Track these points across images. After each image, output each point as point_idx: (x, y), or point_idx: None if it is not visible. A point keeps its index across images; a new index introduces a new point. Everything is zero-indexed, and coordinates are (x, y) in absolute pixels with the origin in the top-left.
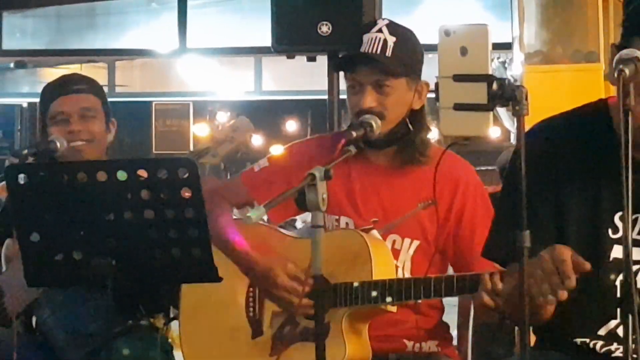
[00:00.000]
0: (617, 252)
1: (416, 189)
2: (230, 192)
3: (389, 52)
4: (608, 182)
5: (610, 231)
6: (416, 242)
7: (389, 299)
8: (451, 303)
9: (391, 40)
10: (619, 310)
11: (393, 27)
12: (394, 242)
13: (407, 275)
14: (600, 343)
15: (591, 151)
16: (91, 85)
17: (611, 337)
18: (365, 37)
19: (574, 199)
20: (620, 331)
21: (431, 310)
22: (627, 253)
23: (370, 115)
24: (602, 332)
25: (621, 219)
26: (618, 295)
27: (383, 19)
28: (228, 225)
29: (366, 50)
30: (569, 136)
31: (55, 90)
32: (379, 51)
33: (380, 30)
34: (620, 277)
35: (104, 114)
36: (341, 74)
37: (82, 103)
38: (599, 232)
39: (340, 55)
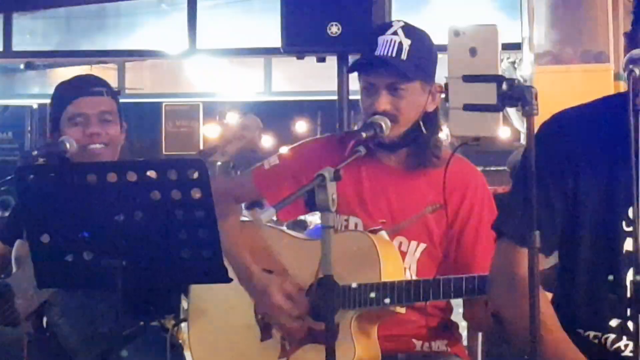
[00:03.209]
0: (630, 244)
1: (425, 192)
2: (240, 189)
3: (404, 55)
4: (622, 175)
5: (624, 223)
6: (423, 245)
7: (398, 301)
8: (460, 302)
9: (406, 43)
10: (629, 308)
11: (408, 30)
12: (400, 244)
13: (414, 277)
14: (611, 337)
15: (607, 143)
16: (108, 88)
17: (622, 330)
18: (381, 40)
19: (588, 190)
20: (630, 324)
21: (439, 310)
22: (637, 250)
23: (380, 116)
24: (613, 323)
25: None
26: (629, 293)
27: (398, 21)
28: (233, 232)
29: (381, 54)
30: (583, 128)
31: (74, 90)
32: (394, 54)
33: (395, 33)
34: (632, 270)
35: (119, 117)
36: (353, 74)
37: (102, 106)
38: (612, 224)
39: (354, 56)
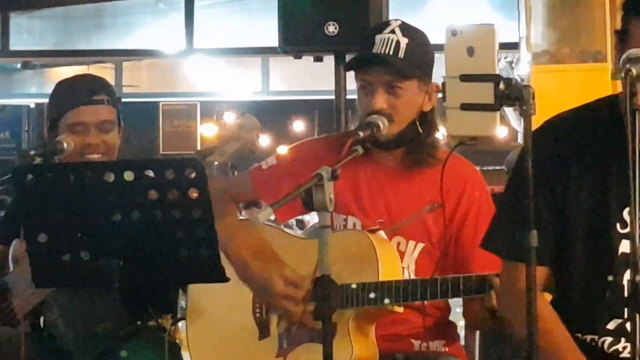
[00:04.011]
0: (625, 247)
1: (422, 191)
2: (237, 189)
3: (401, 54)
4: (617, 177)
5: (618, 226)
6: (421, 245)
7: (396, 301)
8: (458, 303)
9: (404, 41)
10: (626, 309)
11: (406, 29)
12: (398, 244)
13: (412, 277)
14: (608, 340)
15: (600, 145)
16: (110, 96)
17: (619, 332)
18: (378, 38)
19: (583, 193)
20: (628, 326)
21: (437, 310)
22: (634, 251)
23: (377, 115)
24: (610, 326)
25: (630, 214)
26: (626, 293)
27: (396, 20)
28: (231, 230)
29: (379, 51)
30: (578, 131)
31: (76, 97)
32: (391, 52)
33: (393, 32)
34: (629, 272)
35: (118, 124)
36: (350, 74)
37: (102, 115)
38: (607, 227)
39: (351, 56)
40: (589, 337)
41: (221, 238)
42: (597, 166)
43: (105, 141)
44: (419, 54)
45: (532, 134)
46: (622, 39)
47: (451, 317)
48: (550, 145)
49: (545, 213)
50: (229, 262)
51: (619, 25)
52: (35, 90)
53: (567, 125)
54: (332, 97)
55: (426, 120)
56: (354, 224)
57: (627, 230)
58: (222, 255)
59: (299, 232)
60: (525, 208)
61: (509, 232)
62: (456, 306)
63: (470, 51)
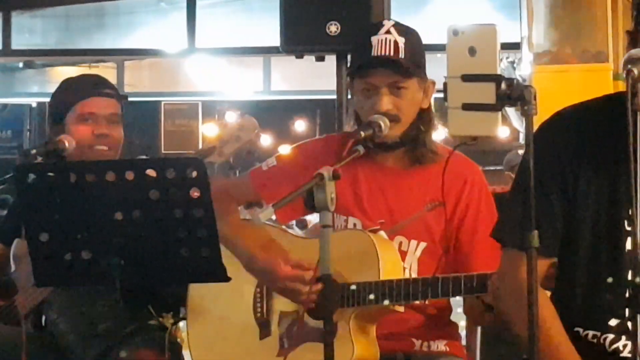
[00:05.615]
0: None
1: (423, 190)
2: (238, 190)
3: (402, 53)
4: (624, 174)
5: (625, 223)
6: (423, 244)
7: (397, 300)
8: (459, 303)
9: (401, 41)
10: (627, 309)
11: (400, 28)
12: (400, 243)
13: (414, 276)
14: (610, 337)
15: (608, 142)
16: (117, 92)
17: (621, 330)
18: (375, 40)
19: (589, 189)
20: (630, 324)
21: (438, 309)
22: (635, 249)
23: (378, 115)
24: (612, 323)
25: (632, 214)
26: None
27: (389, 20)
28: (234, 228)
29: (379, 53)
30: (584, 127)
31: (87, 89)
32: (392, 53)
33: (388, 32)
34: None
35: (122, 121)
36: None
37: (112, 108)
38: (614, 224)
39: (350, 58)
40: (590, 333)
41: (225, 235)
42: (605, 162)
43: (113, 134)
44: (416, 52)
45: (539, 126)
46: (634, 40)
47: (452, 317)
48: (559, 138)
49: (556, 204)
50: (234, 256)
51: (623, 25)
52: (37, 89)
53: (574, 120)
54: (334, 96)
55: (425, 117)
56: (355, 225)
57: (632, 228)
58: (222, 254)
59: (300, 232)
60: (529, 206)
61: (516, 222)
62: (457, 306)
63: (472, 51)
